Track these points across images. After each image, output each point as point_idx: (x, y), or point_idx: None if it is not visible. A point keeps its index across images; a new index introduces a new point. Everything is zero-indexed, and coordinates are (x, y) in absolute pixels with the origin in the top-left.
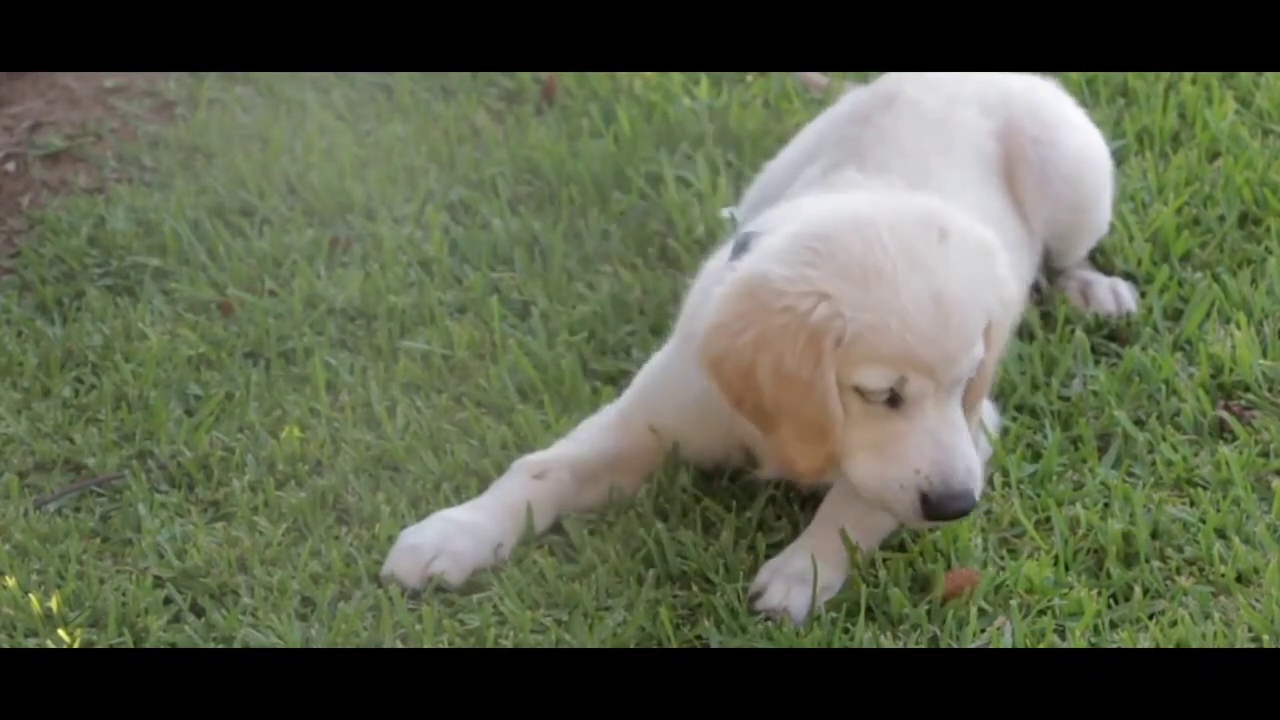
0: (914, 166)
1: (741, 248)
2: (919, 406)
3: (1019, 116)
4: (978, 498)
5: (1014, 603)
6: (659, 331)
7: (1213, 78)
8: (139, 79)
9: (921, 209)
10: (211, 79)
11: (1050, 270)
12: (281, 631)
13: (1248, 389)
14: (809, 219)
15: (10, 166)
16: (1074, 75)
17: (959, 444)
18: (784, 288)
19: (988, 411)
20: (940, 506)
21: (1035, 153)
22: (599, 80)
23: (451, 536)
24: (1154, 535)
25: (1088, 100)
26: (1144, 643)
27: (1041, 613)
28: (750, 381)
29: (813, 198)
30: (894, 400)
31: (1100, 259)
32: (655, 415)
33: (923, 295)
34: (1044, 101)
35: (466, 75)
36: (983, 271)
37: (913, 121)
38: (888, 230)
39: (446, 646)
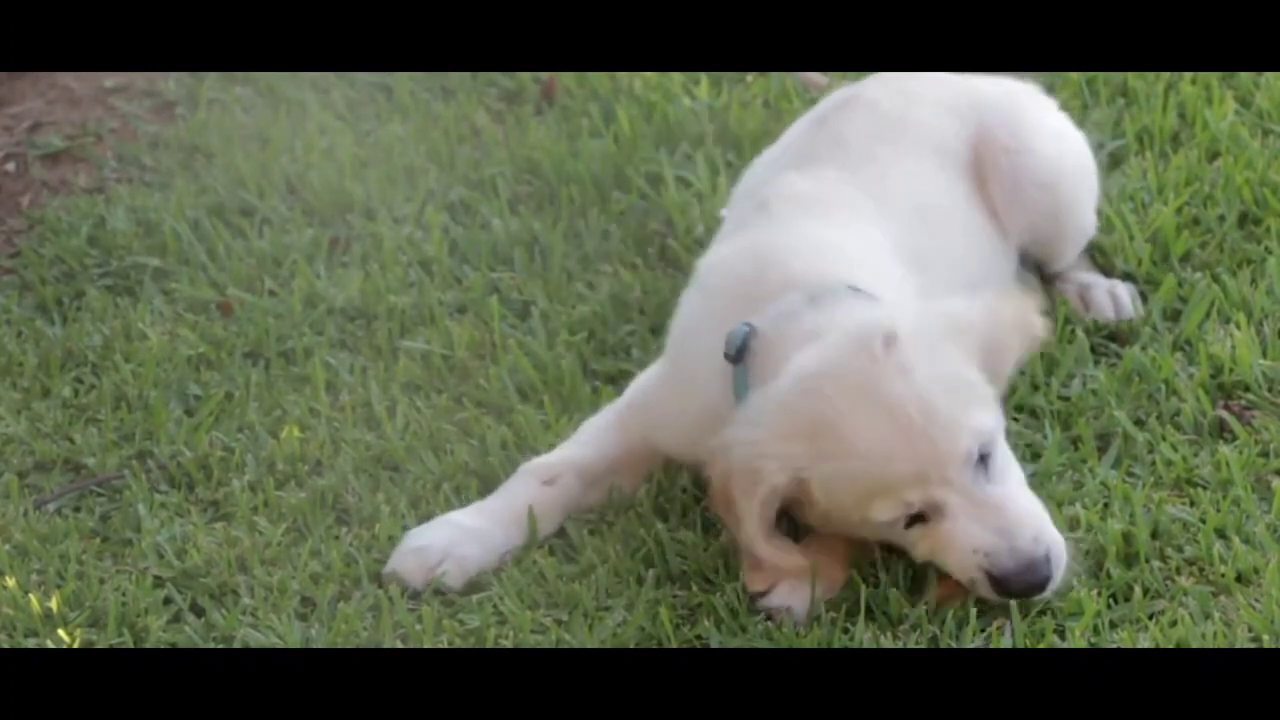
0: (855, 156)
1: (741, 350)
2: (948, 509)
3: (991, 125)
4: (1055, 567)
5: (1014, 603)
6: (659, 331)
7: (1213, 78)
8: (139, 79)
9: (860, 326)
10: (211, 79)
11: (1048, 275)
12: (281, 631)
13: (1248, 389)
14: (780, 383)
15: (10, 166)
16: (1074, 75)
17: (1010, 521)
18: (744, 452)
19: None
20: (1008, 584)
21: (1007, 161)
22: (599, 80)
23: (459, 543)
24: (1154, 535)
25: (1088, 100)
26: (1144, 643)
27: (1041, 613)
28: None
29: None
30: (922, 516)
31: (1100, 260)
32: (650, 430)
33: (878, 424)
34: (1019, 110)
35: (466, 75)
36: (943, 349)
37: (865, 119)
38: (828, 376)
39: (446, 646)
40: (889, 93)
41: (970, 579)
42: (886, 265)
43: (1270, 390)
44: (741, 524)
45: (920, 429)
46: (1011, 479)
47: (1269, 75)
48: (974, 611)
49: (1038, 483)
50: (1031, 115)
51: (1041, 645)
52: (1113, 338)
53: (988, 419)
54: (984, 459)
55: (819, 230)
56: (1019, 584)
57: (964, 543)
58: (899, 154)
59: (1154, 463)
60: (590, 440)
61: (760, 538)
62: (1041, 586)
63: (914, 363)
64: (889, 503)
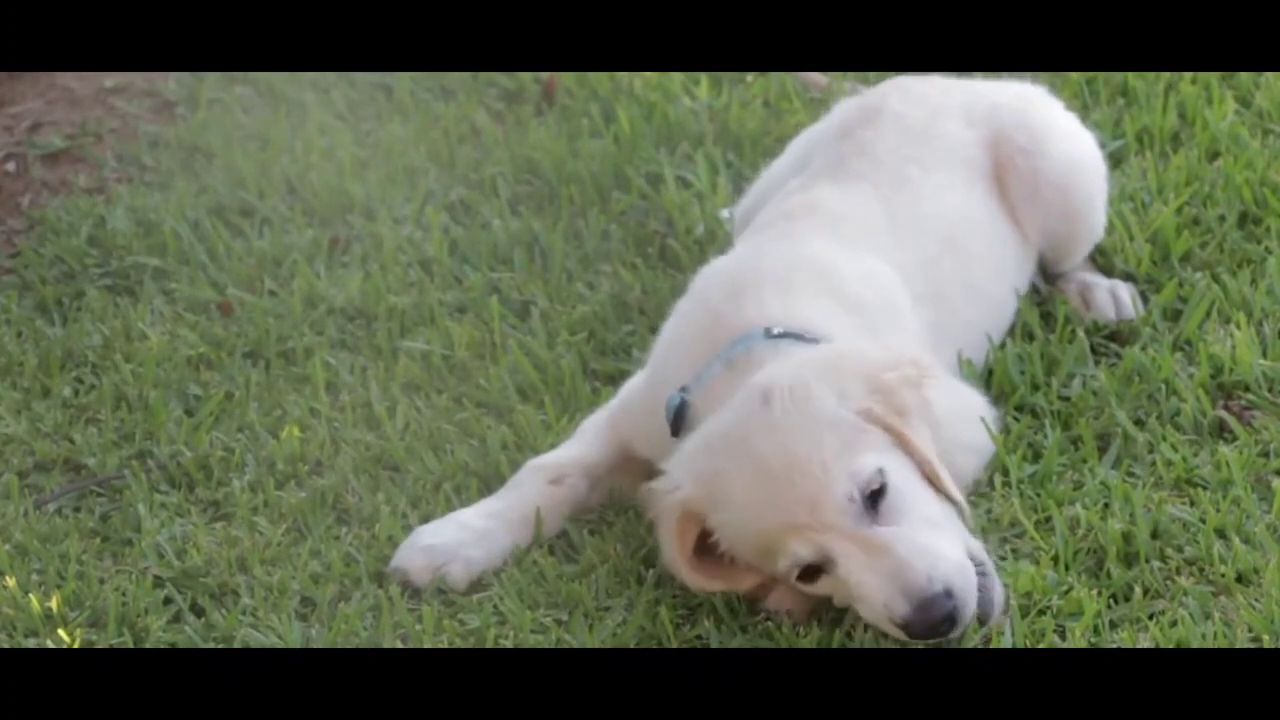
0: (889, 174)
1: (677, 418)
2: (836, 556)
3: (1007, 127)
4: (961, 603)
5: (1014, 603)
6: (658, 332)
7: (1213, 78)
8: (139, 79)
9: (752, 384)
10: (211, 79)
11: (1051, 274)
12: (281, 631)
13: (1248, 389)
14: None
15: (10, 166)
16: (1074, 75)
17: (899, 562)
18: (660, 498)
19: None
20: (911, 629)
21: (1024, 163)
22: (599, 80)
23: (467, 544)
24: (1154, 535)
25: (1088, 100)
26: (1144, 643)
27: (1041, 613)
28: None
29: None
30: (811, 575)
31: (1100, 260)
32: (630, 434)
33: (749, 478)
34: (1032, 111)
35: (466, 75)
36: (818, 396)
37: (893, 133)
38: (718, 435)
39: (446, 646)
40: (912, 104)
41: (889, 629)
42: (892, 295)
43: (1270, 390)
44: (664, 553)
45: (784, 479)
46: (914, 517)
47: (1269, 75)
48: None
49: (1038, 482)
50: (1045, 117)
51: (1041, 645)
52: (1113, 338)
53: (869, 460)
54: (875, 500)
55: (828, 254)
56: (920, 628)
57: (865, 594)
58: (928, 170)
59: (1154, 463)
60: (593, 438)
61: (680, 566)
62: (947, 623)
63: (781, 415)
64: (779, 555)
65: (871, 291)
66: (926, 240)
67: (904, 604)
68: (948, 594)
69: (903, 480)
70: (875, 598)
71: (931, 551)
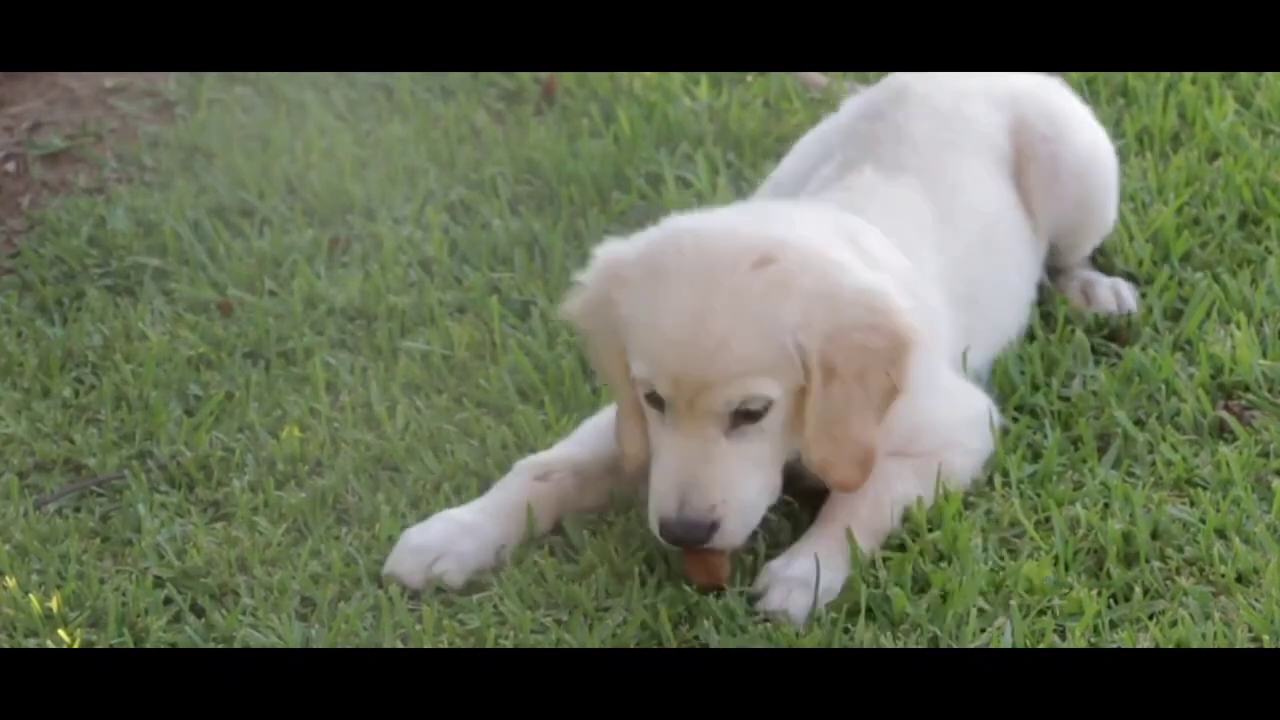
0: (929, 162)
1: None
2: (674, 422)
3: (1028, 114)
4: (718, 534)
5: (1014, 603)
6: None
7: (1213, 78)
8: (139, 79)
9: (762, 234)
10: (211, 79)
11: (1052, 269)
12: (281, 631)
13: (1248, 389)
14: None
15: (10, 166)
16: (1074, 75)
17: (691, 471)
18: (606, 268)
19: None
20: (667, 529)
21: (1045, 149)
22: (599, 80)
23: (455, 538)
24: (1154, 535)
25: (1088, 100)
26: (1144, 643)
27: (1041, 613)
28: (587, 345)
29: (813, 206)
30: (659, 404)
31: (1100, 259)
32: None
33: (686, 307)
34: (1052, 99)
35: (466, 75)
36: (799, 309)
37: (925, 116)
38: (696, 241)
39: (446, 646)
40: (937, 86)
41: (652, 509)
42: (929, 299)
43: (1270, 390)
44: (605, 365)
45: (712, 348)
46: (746, 457)
47: (1269, 75)
48: (974, 611)
49: (1038, 482)
50: (1064, 105)
51: (1041, 645)
52: (1113, 338)
53: (770, 388)
54: (750, 418)
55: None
56: (672, 534)
57: (656, 477)
58: (962, 156)
59: (1154, 463)
60: (588, 438)
61: (615, 370)
62: (694, 543)
63: (752, 286)
64: (645, 367)
65: (918, 294)
66: (965, 237)
67: (670, 506)
68: (692, 525)
69: (770, 421)
70: (658, 486)
71: (713, 488)
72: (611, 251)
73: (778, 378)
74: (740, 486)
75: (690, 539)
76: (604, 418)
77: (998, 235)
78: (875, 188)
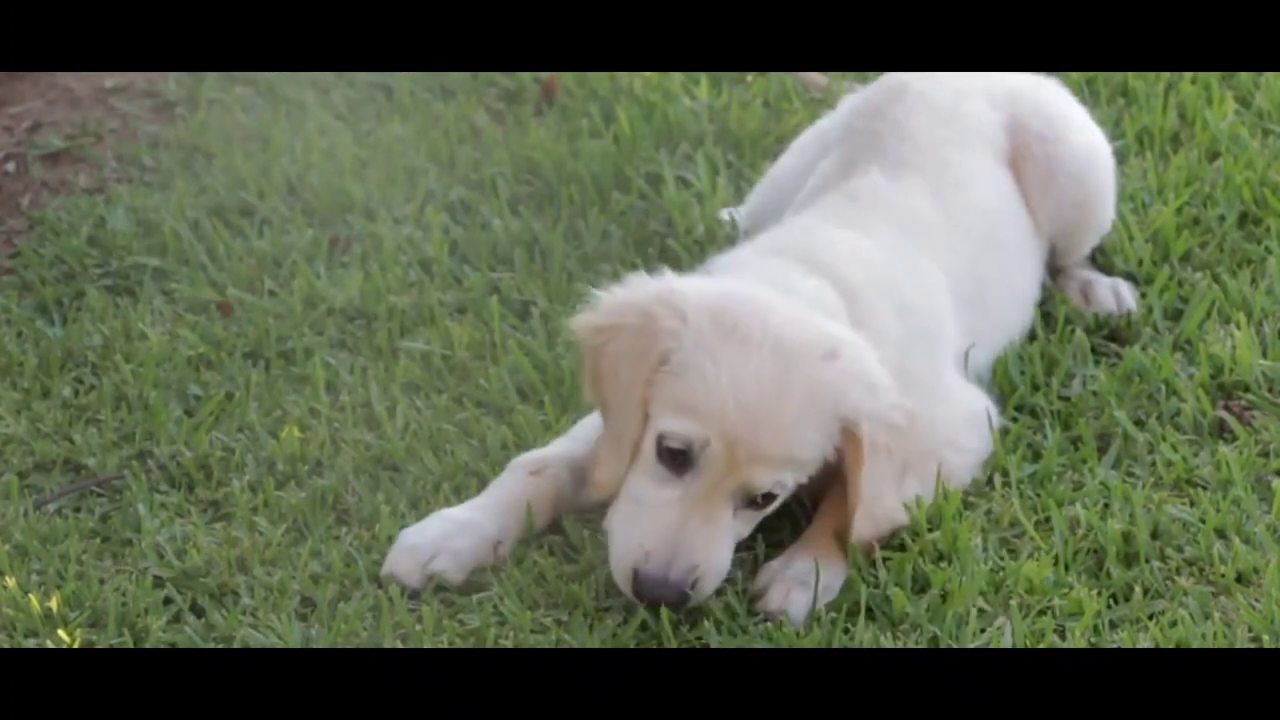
0: (931, 160)
1: None
2: (697, 486)
3: (1024, 113)
4: (693, 600)
5: (1014, 603)
6: None
7: (1213, 78)
8: (139, 79)
9: (832, 332)
10: (211, 79)
11: (1051, 269)
12: (281, 631)
13: (1248, 389)
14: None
15: (10, 166)
16: (1074, 75)
17: (688, 539)
18: (664, 298)
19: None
20: (644, 585)
21: (1041, 149)
22: (599, 80)
23: (451, 535)
24: (1154, 535)
25: (1088, 100)
26: (1144, 643)
27: (1041, 613)
28: (597, 363)
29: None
30: (681, 465)
31: (1100, 259)
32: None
33: (768, 378)
34: (1049, 99)
35: (466, 75)
36: (853, 396)
37: (924, 113)
38: (774, 317)
39: (446, 646)
40: (935, 82)
41: (624, 552)
42: (938, 304)
43: (1270, 390)
44: (621, 395)
45: (782, 423)
46: (733, 531)
47: (1269, 75)
48: (974, 611)
49: (1037, 482)
50: (1061, 105)
51: (1041, 645)
52: (1113, 338)
53: (799, 476)
54: (764, 501)
55: (890, 255)
56: (649, 593)
57: (654, 530)
58: (964, 153)
59: (1154, 463)
60: (584, 436)
61: (635, 408)
62: (667, 604)
63: (833, 384)
64: (693, 426)
65: (923, 301)
66: (972, 238)
67: (655, 568)
68: (674, 589)
69: (769, 508)
70: (646, 537)
71: (715, 563)
72: (669, 285)
73: (808, 471)
74: (723, 557)
75: (663, 600)
76: (598, 416)
77: (1003, 234)
78: (880, 194)
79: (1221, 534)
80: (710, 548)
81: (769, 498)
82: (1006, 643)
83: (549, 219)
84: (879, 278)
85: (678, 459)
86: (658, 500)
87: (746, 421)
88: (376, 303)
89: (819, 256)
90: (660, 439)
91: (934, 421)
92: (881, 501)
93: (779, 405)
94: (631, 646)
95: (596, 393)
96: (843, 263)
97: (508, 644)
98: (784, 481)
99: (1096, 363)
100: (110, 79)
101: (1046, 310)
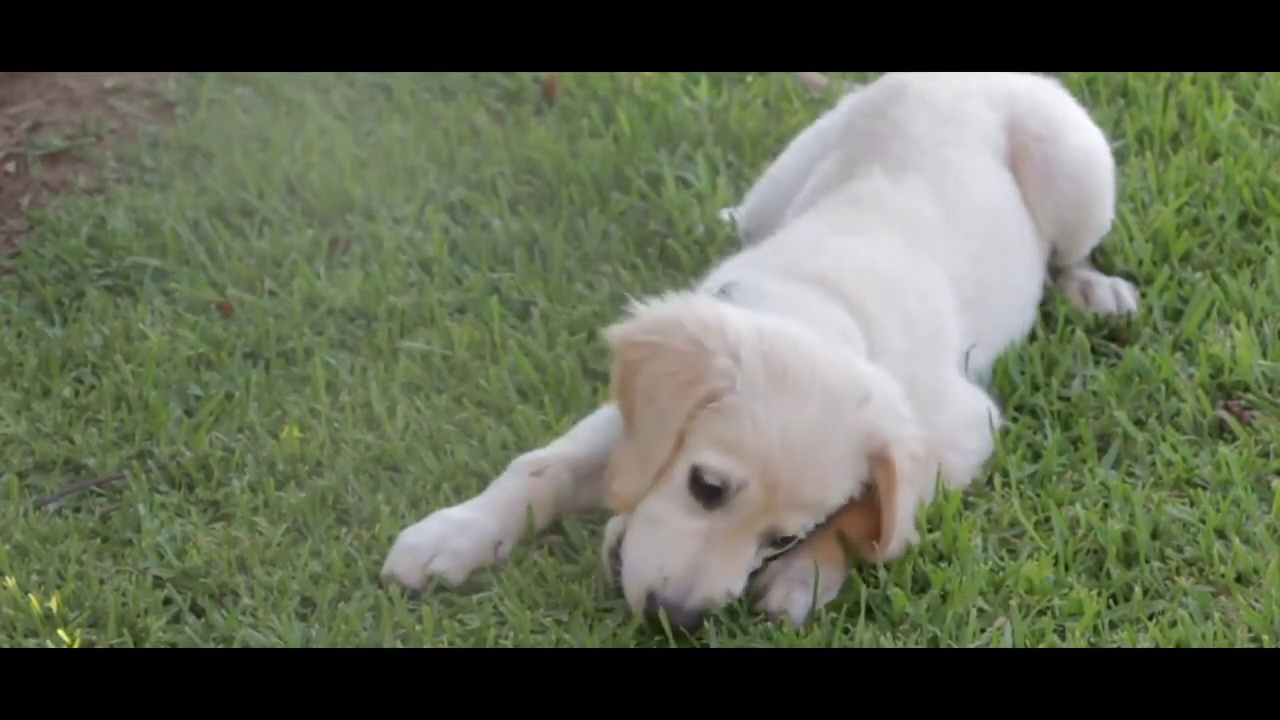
0: (932, 160)
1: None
2: (727, 523)
3: (1023, 113)
4: (697, 627)
5: (1014, 603)
6: None
7: (1213, 78)
8: (139, 79)
9: (863, 372)
10: (211, 79)
11: (1051, 269)
12: (281, 631)
13: (1248, 389)
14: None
15: (10, 166)
16: (1074, 75)
17: (711, 568)
18: (716, 331)
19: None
20: (669, 610)
21: (1039, 150)
22: (599, 80)
23: (450, 535)
24: (1154, 535)
25: (1088, 100)
26: (1144, 643)
27: (1041, 613)
28: (631, 377)
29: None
30: (713, 499)
31: (1100, 259)
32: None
33: (815, 427)
34: (1046, 100)
35: (466, 75)
36: (885, 431)
37: (924, 113)
38: (824, 361)
39: (446, 646)
40: (934, 82)
41: (641, 575)
42: (940, 306)
43: (1270, 390)
44: (656, 419)
45: (821, 470)
46: (747, 570)
47: (1269, 75)
48: (974, 611)
49: (1037, 482)
50: (1059, 106)
51: (1041, 645)
52: (1113, 338)
53: (814, 522)
54: (784, 542)
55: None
56: (672, 617)
57: (675, 555)
58: (965, 153)
59: (1154, 463)
60: (585, 436)
61: (669, 437)
62: (681, 629)
63: (860, 434)
64: (735, 465)
65: (927, 307)
66: (973, 238)
67: (674, 593)
68: (695, 615)
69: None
70: (668, 562)
71: (726, 593)
72: (718, 315)
73: (830, 513)
74: (738, 589)
75: (678, 623)
76: (601, 416)
77: (1004, 234)
78: (882, 197)
79: (1221, 534)
80: (729, 582)
81: (789, 539)
82: (1006, 643)
83: (549, 219)
84: (886, 293)
85: (711, 493)
86: (683, 529)
87: (790, 469)
88: (376, 303)
89: (830, 276)
90: (696, 470)
91: (935, 424)
92: (909, 524)
93: (821, 454)
94: (631, 646)
95: (624, 403)
96: (852, 284)
97: (508, 644)
98: (808, 525)
99: (1096, 363)
100: (110, 79)
101: (1046, 310)
